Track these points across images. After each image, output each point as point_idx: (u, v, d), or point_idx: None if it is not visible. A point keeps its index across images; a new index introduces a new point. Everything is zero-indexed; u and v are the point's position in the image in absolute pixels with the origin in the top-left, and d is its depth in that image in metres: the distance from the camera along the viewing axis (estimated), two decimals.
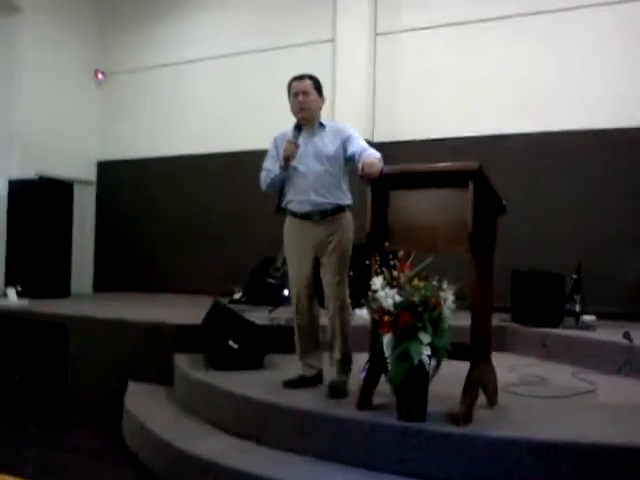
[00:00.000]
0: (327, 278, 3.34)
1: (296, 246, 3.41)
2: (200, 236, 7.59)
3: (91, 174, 8.34)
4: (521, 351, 4.78)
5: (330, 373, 3.42)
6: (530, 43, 6.09)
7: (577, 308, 4.86)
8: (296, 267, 3.43)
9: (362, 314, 2.71)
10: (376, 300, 2.68)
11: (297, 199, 3.36)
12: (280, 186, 3.42)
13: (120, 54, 8.28)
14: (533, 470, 2.50)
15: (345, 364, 3.37)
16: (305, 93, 3.34)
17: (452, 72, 6.38)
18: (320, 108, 3.45)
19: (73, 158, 7.94)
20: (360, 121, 6.60)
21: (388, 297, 2.64)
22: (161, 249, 7.87)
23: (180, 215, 7.74)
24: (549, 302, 4.84)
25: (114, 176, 8.25)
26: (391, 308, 2.63)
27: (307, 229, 3.35)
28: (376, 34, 6.73)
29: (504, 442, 2.57)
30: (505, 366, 4.12)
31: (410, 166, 2.96)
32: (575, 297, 4.88)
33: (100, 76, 8.28)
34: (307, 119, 3.36)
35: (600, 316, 5.32)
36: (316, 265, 3.39)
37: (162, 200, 7.89)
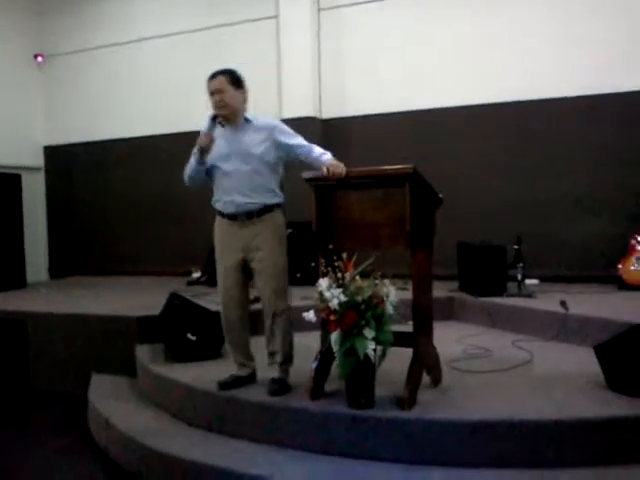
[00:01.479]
0: (259, 284, 3.32)
1: (223, 247, 3.37)
2: (156, 217, 7.60)
3: (39, 160, 8.19)
4: (468, 320, 5.07)
5: (266, 370, 3.42)
6: (476, 12, 6.16)
7: (519, 276, 5.12)
8: (223, 272, 3.37)
9: (309, 316, 2.86)
10: (323, 300, 2.84)
11: (223, 199, 3.32)
12: (201, 180, 3.37)
13: (61, 35, 8.04)
14: (473, 449, 2.74)
15: (286, 364, 3.38)
16: (220, 91, 3.24)
17: (397, 47, 6.44)
18: (242, 101, 3.32)
19: (19, 145, 7.78)
20: (307, 97, 6.67)
21: (334, 297, 2.80)
22: (117, 232, 7.86)
23: (134, 197, 7.72)
24: (493, 272, 5.10)
25: (63, 160, 8.13)
26: (337, 307, 2.79)
27: (233, 230, 3.31)
28: (319, 9, 6.71)
29: (445, 423, 2.80)
30: (452, 337, 4.41)
31: (355, 169, 3.07)
32: (517, 266, 5.14)
33: (40, 59, 8.05)
34: (228, 116, 3.28)
35: (544, 279, 5.64)
36: (245, 269, 3.35)
37: (114, 183, 7.84)
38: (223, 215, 3.36)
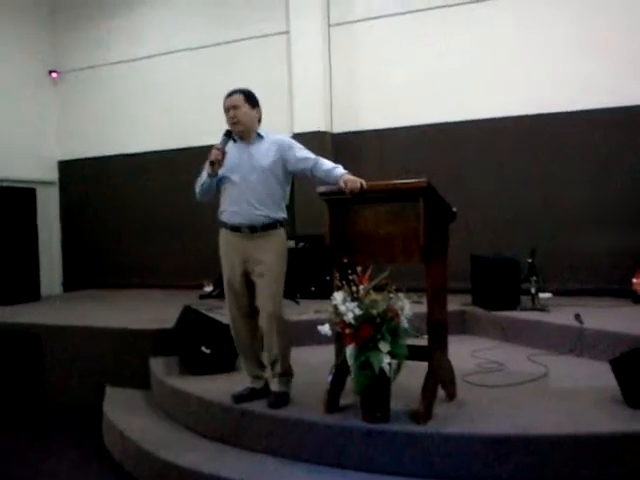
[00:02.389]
0: (258, 298, 3.35)
1: (227, 259, 3.42)
2: (168, 231, 7.67)
3: (53, 174, 8.29)
4: (481, 334, 5.05)
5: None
6: (487, 26, 6.21)
7: (533, 290, 5.10)
8: (228, 282, 3.43)
9: (324, 329, 2.87)
10: (338, 314, 2.85)
11: (229, 210, 3.37)
12: (212, 194, 3.42)
13: (74, 52, 8.20)
14: (488, 463, 2.72)
15: (285, 377, 3.41)
16: (235, 107, 3.35)
17: (407, 60, 6.49)
18: (256, 119, 3.43)
19: (33, 159, 7.91)
20: (318, 112, 6.73)
21: (349, 311, 2.81)
22: (129, 245, 7.93)
23: (146, 211, 7.79)
24: (506, 286, 5.09)
25: (77, 175, 8.24)
26: (352, 321, 2.81)
27: (236, 242, 3.36)
28: (329, 25, 6.79)
29: (460, 438, 2.79)
30: (465, 351, 4.40)
31: (370, 184, 3.09)
32: (531, 279, 5.12)
33: (54, 75, 8.18)
34: (242, 132, 3.39)
35: (557, 293, 5.62)
36: (248, 281, 3.38)
37: (127, 196, 7.92)
38: (227, 227, 3.41)
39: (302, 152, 3.39)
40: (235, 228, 3.36)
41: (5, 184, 7.25)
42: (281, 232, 3.42)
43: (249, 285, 3.40)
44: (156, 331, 4.77)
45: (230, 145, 3.36)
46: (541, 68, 5.98)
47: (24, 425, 4.70)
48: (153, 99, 7.72)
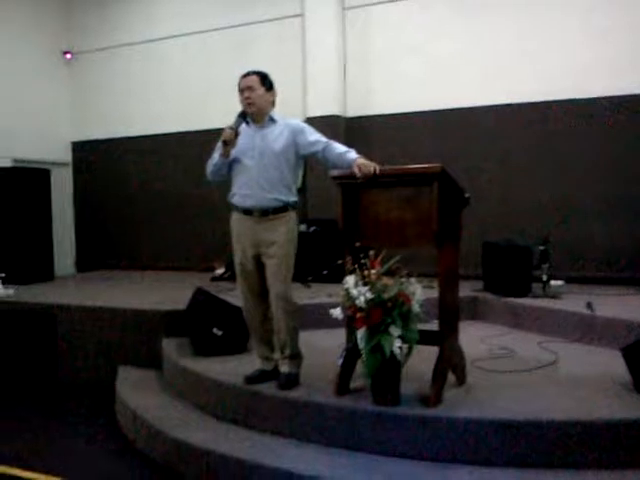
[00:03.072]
0: (269, 279, 3.36)
1: (238, 241, 3.43)
2: (181, 213, 7.71)
3: (66, 155, 8.34)
4: (492, 320, 5.06)
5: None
6: (504, 14, 6.14)
7: (544, 277, 5.09)
8: (239, 264, 3.45)
9: (336, 312, 2.89)
10: (349, 298, 2.87)
11: (240, 192, 3.38)
12: (223, 175, 3.44)
13: (88, 33, 8.20)
14: (498, 448, 2.75)
15: (295, 359, 3.43)
16: (250, 89, 3.34)
17: (422, 45, 6.44)
18: (270, 103, 3.43)
19: (48, 140, 7.96)
20: (331, 96, 6.71)
21: (360, 295, 2.83)
22: (142, 227, 7.99)
23: (160, 192, 7.84)
24: (518, 273, 5.07)
25: (90, 156, 8.28)
26: (363, 305, 2.82)
27: (248, 225, 3.37)
28: (344, 8, 6.73)
29: (470, 422, 2.81)
30: (476, 337, 4.41)
31: (383, 168, 3.08)
32: (543, 266, 5.11)
33: (68, 56, 8.19)
34: (255, 114, 3.38)
35: (569, 280, 5.59)
36: (259, 263, 3.40)
37: (141, 178, 7.96)
38: (239, 209, 3.42)
39: (314, 136, 3.39)
40: (247, 211, 3.38)
41: (20, 165, 7.28)
42: (292, 215, 3.42)
43: (260, 267, 3.42)
44: (168, 312, 4.81)
45: (243, 127, 3.36)
46: (555, 56, 5.92)
47: (38, 403, 4.77)
48: (166, 81, 7.72)
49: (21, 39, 7.59)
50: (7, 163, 7.19)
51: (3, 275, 6.18)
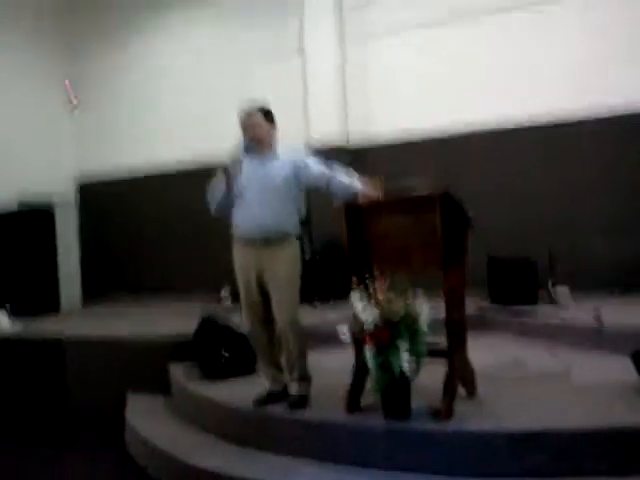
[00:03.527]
0: (274, 308, 3.39)
1: (241, 272, 3.45)
2: (185, 243, 7.71)
3: (70, 189, 8.40)
4: (500, 331, 5.01)
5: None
6: (504, 34, 6.19)
7: (550, 285, 5.09)
8: (244, 293, 3.47)
9: (344, 337, 2.90)
10: (357, 321, 2.88)
11: (242, 225, 3.41)
12: (228, 208, 3.45)
13: (92, 71, 8.31)
14: (510, 459, 2.73)
15: (303, 381, 3.45)
16: (257, 126, 3.42)
17: (422, 74, 6.49)
18: (272, 136, 3.49)
19: (51, 175, 7.95)
20: (333, 127, 6.74)
21: (368, 316, 2.84)
22: (147, 260, 7.96)
23: (165, 222, 7.86)
24: (524, 287, 5.09)
25: (94, 193, 8.32)
26: (371, 326, 2.83)
27: (251, 255, 3.39)
28: (344, 40, 6.83)
29: (482, 435, 2.81)
30: (485, 348, 4.34)
31: (385, 195, 3.14)
32: (548, 280, 5.11)
33: (74, 101, 8.32)
34: (257, 148, 3.43)
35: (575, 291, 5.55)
36: (264, 290, 3.41)
37: (144, 208, 7.99)
38: (240, 241, 3.45)
39: (316, 168, 3.43)
40: (248, 241, 3.40)
41: (23, 208, 7.32)
42: (294, 243, 3.45)
43: (264, 296, 3.43)
44: (175, 339, 4.81)
45: (246, 161, 3.40)
46: (554, 75, 5.95)
47: (48, 433, 4.78)
48: (169, 111, 7.77)
49: (22, 84, 7.69)
50: (13, 207, 7.22)
51: (9, 305, 6.21)
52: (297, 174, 3.41)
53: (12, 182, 7.27)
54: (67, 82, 8.25)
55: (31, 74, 7.83)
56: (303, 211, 3.57)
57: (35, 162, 7.66)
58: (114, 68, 8.17)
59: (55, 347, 5.29)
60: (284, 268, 3.35)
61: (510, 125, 6.11)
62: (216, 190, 3.47)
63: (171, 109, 7.79)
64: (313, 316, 5.11)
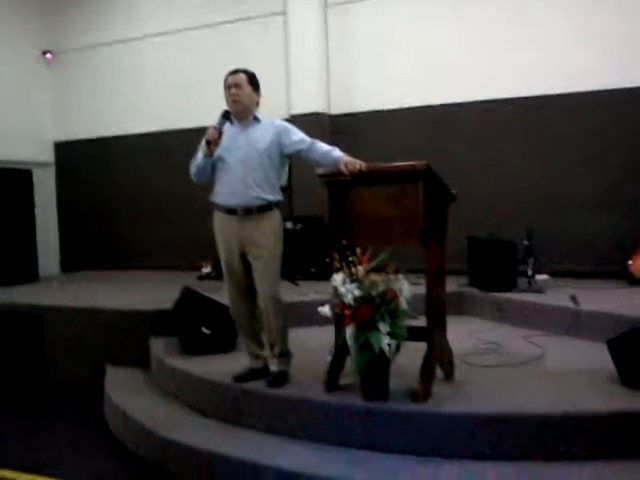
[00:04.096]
0: (256, 278, 3.37)
1: (223, 241, 3.42)
2: (165, 212, 7.64)
3: (49, 155, 8.26)
4: (478, 315, 5.09)
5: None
6: (492, 5, 6.14)
7: (529, 272, 5.14)
8: (225, 263, 3.45)
9: (324, 310, 2.90)
10: (337, 295, 2.88)
11: (223, 192, 3.37)
12: (208, 175, 3.41)
13: (69, 32, 8.09)
14: (485, 441, 2.78)
15: (284, 357, 3.46)
16: (238, 86, 3.35)
17: (406, 41, 6.44)
18: (256, 103, 3.45)
19: (30, 141, 7.85)
20: (315, 93, 6.69)
21: (348, 292, 2.84)
22: (127, 226, 7.91)
23: (143, 192, 7.76)
24: (503, 268, 5.11)
25: (73, 156, 8.18)
26: (352, 302, 2.84)
27: (232, 224, 3.36)
28: (327, 5, 6.73)
29: (458, 417, 2.85)
30: (463, 332, 4.43)
31: (368, 165, 3.09)
32: (527, 260, 5.16)
33: (49, 56, 8.11)
34: (240, 112, 3.38)
35: (554, 274, 5.64)
36: (245, 262, 3.40)
37: (124, 178, 7.88)
38: (221, 208, 3.41)
39: (298, 135, 3.40)
40: (230, 210, 3.37)
41: (1, 166, 7.21)
42: (276, 213, 3.43)
43: (247, 266, 3.41)
44: (155, 312, 4.80)
45: (227, 127, 3.35)
46: (540, 50, 5.94)
47: (25, 404, 4.75)
48: (149, 80, 7.65)
49: (0, 39, 7.50)
50: None
51: None
52: (279, 140, 3.37)
53: None
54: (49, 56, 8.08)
55: (9, 37, 7.63)
56: (285, 180, 3.54)
57: (14, 128, 7.53)
58: (94, 32, 7.97)
59: (33, 317, 5.24)
60: (266, 238, 3.34)
61: (496, 97, 6.11)
62: (197, 155, 3.42)
63: (150, 76, 7.67)
64: (294, 292, 5.14)
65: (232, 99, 3.37)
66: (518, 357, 3.75)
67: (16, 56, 7.72)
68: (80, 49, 8.06)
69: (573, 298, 4.44)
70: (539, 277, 5.33)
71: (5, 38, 7.55)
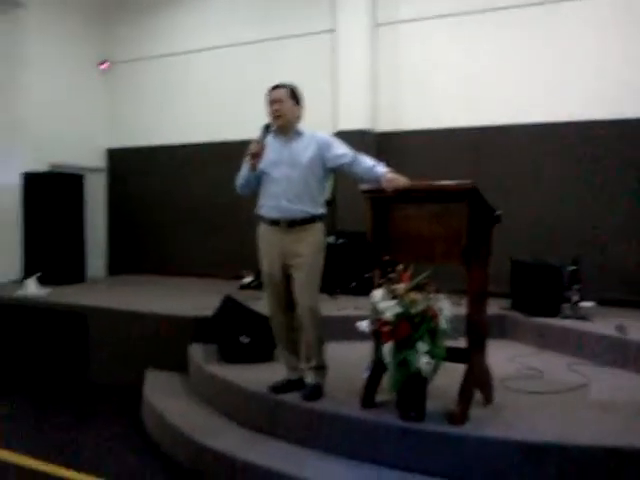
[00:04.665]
0: (296, 290, 3.39)
1: (265, 252, 3.47)
2: (210, 221, 7.78)
3: (101, 162, 8.53)
4: (520, 339, 4.98)
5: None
6: (537, 30, 6.10)
7: (575, 298, 5.01)
8: (266, 274, 3.48)
9: (363, 326, 2.90)
10: (377, 311, 2.88)
11: (268, 204, 3.42)
12: (252, 188, 3.48)
13: (125, 43, 8.39)
14: (524, 470, 2.71)
15: (320, 370, 3.45)
16: (279, 101, 3.40)
17: (453, 62, 6.44)
18: (298, 117, 3.48)
19: (83, 147, 8.12)
20: (362, 111, 6.72)
21: (388, 309, 2.83)
22: (172, 233, 8.08)
23: (189, 200, 7.92)
24: (547, 293, 5.00)
25: (124, 163, 8.44)
26: (391, 319, 2.82)
27: (275, 236, 3.39)
28: (376, 24, 6.77)
29: (496, 442, 2.79)
30: (504, 356, 4.35)
31: (412, 183, 3.09)
32: (573, 287, 5.03)
33: (104, 66, 8.39)
34: (283, 126, 3.43)
35: (601, 302, 5.48)
36: (287, 272, 3.41)
37: (171, 186, 8.06)
38: (266, 220, 3.46)
39: (341, 149, 3.42)
40: (274, 222, 3.41)
41: (56, 170, 7.47)
42: (319, 226, 3.45)
43: (287, 278, 3.44)
44: (196, 318, 4.87)
45: (271, 140, 3.41)
46: (590, 74, 5.86)
47: (68, 402, 4.87)
48: (198, 92, 7.84)
49: (59, 49, 7.79)
50: (44, 167, 7.38)
51: (40, 274, 6.34)
52: (322, 153, 3.39)
53: (47, 153, 7.44)
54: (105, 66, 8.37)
55: (67, 47, 7.94)
56: (329, 193, 3.56)
57: (70, 135, 7.83)
58: (148, 44, 8.24)
59: (79, 317, 5.38)
60: (308, 250, 3.35)
61: (543, 120, 6.04)
62: (242, 168, 3.49)
63: (200, 89, 7.86)
64: (333, 307, 5.14)
65: (274, 114, 3.42)
66: (561, 385, 3.65)
67: (73, 65, 8.03)
68: (132, 60, 8.34)
69: (620, 328, 4.31)
70: (584, 304, 5.20)
71: (63, 48, 7.87)
